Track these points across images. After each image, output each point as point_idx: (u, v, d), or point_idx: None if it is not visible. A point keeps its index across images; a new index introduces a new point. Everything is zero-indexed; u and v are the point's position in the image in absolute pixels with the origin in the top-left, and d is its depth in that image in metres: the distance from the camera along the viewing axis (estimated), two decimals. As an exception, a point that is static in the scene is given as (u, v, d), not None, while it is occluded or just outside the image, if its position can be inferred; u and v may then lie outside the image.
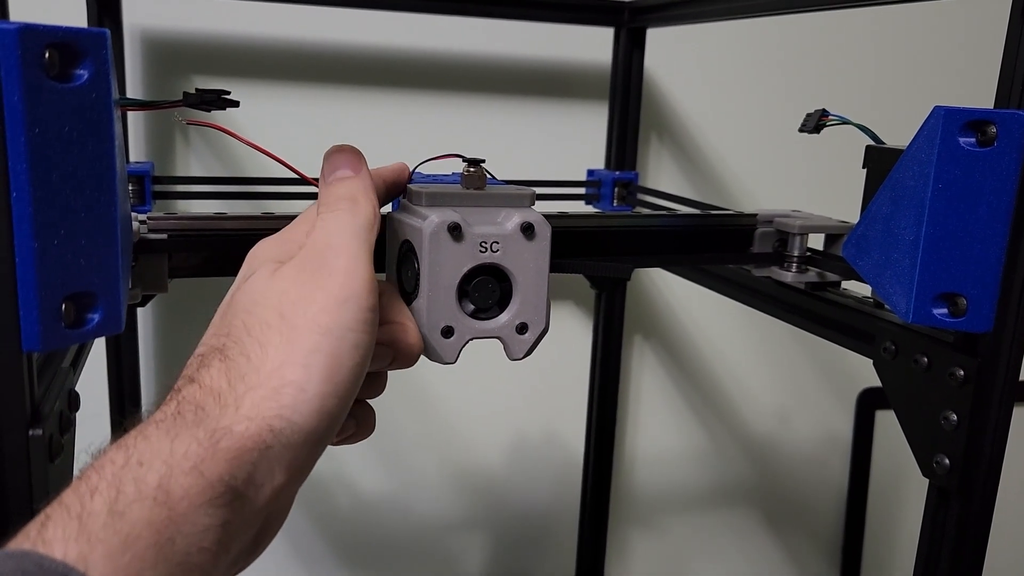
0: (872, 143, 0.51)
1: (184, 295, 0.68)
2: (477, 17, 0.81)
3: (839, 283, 0.59)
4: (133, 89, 0.77)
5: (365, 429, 0.42)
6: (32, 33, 0.31)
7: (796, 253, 0.59)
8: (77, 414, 0.41)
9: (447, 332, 0.41)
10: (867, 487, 1.17)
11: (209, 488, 0.29)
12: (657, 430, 1.06)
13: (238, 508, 0.30)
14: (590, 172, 0.89)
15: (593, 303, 0.94)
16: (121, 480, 0.28)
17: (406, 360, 0.40)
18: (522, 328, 0.43)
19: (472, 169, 0.44)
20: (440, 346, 0.41)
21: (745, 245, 0.60)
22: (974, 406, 0.42)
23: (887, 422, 1.14)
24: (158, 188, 0.72)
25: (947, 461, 0.44)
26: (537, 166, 0.90)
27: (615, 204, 0.85)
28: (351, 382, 0.34)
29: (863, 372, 1.05)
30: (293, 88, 0.83)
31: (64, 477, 0.37)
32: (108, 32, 0.34)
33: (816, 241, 0.60)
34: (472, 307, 0.42)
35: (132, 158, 0.78)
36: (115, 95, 0.35)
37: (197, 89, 0.40)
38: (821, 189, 0.99)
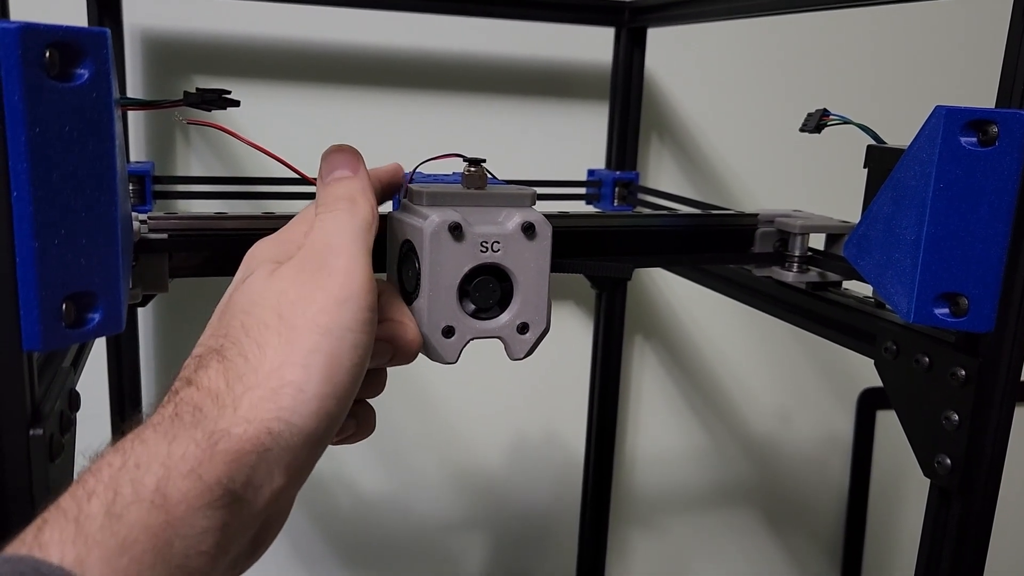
0: (873, 143, 0.51)
1: (184, 295, 0.68)
2: (477, 17, 0.81)
3: (840, 283, 0.59)
4: (133, 89, 0.77)
5: (365, 429, 0.42)
6: (33, 33, 0.31)
7: (797, 253, 0.58)
8: (77, 414, 0.41)
9: (448, 332, 0.41)
10: (868, 487, 1.17)
11: (207, 491, 0.29)
12: (658, 430, 1.06)
13: (236, 511, 0.30)
14: (591, 172, 0.88)
15: (593, 303, 0.94)
16: (118, 483, 0.28)
17: (405, 356, 0.40)
18: (523, 328, 0.43)
19: (473, 169, 0.44)
20: (441, 346, 0.41)
21: (746, 245, 0.60)
22: (975, 406, 0.42)
23: (888, 422, 1.14)
24: (158, 188, 0.72)
25: (948, 461, 0.44)
26: (538, 166, 0.90)
27: (616, 204, 0.85)
28: (350, 382, 0.34)
29: (864, 372, 1.04)
30: (293, 88, 0.83)
31: (64, 477, 0.37)
32: (108, 32, 0.34)
33: (817, 241, 0.60)
34: (473, 307, 0.42)
35: (132, 158, 0.78)
36: (116, 95, 0.35)
37: (198, 89, 0.40)
38: (822, 189, 0.99)
